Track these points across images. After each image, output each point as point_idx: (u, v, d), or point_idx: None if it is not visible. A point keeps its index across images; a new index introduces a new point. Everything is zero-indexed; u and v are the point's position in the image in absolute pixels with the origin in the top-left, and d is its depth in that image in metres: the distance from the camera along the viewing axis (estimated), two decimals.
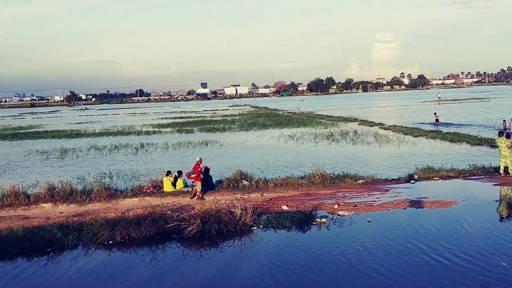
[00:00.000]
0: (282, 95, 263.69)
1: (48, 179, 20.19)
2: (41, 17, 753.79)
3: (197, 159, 18.12)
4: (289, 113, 76.80)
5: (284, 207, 15.81)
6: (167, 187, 18.63)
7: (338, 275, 10.32)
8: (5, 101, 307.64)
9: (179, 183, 18.92)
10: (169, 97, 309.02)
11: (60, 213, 16.18)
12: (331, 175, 19.99)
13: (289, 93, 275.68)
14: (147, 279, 10.58)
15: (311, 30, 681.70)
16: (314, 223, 14.11)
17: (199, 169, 17.54)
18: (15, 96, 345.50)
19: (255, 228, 13.87)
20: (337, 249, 11.87)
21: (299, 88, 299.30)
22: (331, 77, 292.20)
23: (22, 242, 12.59)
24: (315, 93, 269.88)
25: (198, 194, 17.32)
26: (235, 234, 13.45)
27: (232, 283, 10.23)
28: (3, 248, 12.33)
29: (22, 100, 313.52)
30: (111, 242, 13.03)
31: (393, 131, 39.55)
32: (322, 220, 14.23)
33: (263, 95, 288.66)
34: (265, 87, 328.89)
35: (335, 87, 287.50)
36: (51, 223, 14.40)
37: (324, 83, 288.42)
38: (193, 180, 17.59)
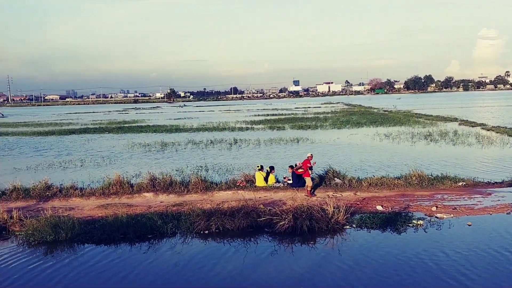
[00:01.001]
0: (377, 93, 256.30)
1: (149, 170, 21.38)
2: (143, 17, 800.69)
3: (308, 154, 18.07)
4: (385, 111, 74.49)
5: (379, 207, 15.38)
6: (259, 181, 18.93)
7: (430, 282, 9.84)
8: (111, 97, 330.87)
9: (271, 179, 19.14)
10: (261, 94, 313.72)
11: (161, 202, 17.09)
12: (429, 176, 19.10)
13: (385, 91, 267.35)
14: (240, 270, 10.83)
15: (410, 26, 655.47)
16: (410, 224, 13.60)
17: (308, 165, 17.46)
18: (120, 92, 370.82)
19: (347, 227, 13.66)
20: (434, 252, 11.33)
21: (395, 86, 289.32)
22: (429, 75, 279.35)
23: (126, 228, 13.46)
24: (412, 91, 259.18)
25: (308, 189, 17.22)
26: (327, 232, 13.35)
27: (323, 280, 10.17)
28: (109, 233, 13.27)
29: (127, 96, 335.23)
30: (206, 232, 13.53)
31: (497, 132, 36.89)
32: (419, 222, 13.67)
33: (357, 92, 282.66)
34: (359, 84, 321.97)
35: (433, 85, 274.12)
36: (152, 212, 15.24)
37: (422, 81, 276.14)
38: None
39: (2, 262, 11.71)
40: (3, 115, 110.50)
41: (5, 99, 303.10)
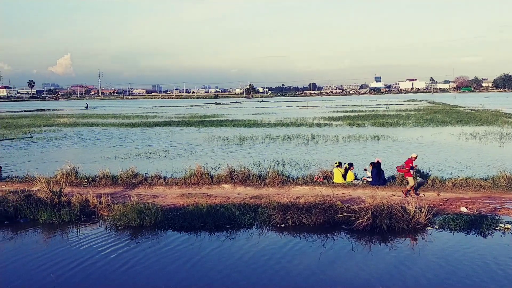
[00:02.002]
0: (463, 91, 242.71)
1: (228, 162, 21.84)
2: (225, 14, 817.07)
3: (413, 155, 17.44)
4: (471, 110, 70.45)
5: (463, 209, 14.61)
6: (337, 178, 18.67)
7: None
8: (193, 92, 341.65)
9: (350, 175, 18.80)
10: (341, 91, 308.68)
11: (238, 194, 17.41)
12: None
13: (472, 89, 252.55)
14: (316, 267, 10.76)
15: (500, 22, 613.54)
16: (496, 228, 12.81)
17: (411, 165, 16.87)
18: (202, 88, 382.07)
19: (429, 227, 13.12)
20: None
21: (483, 84, 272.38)
22: None
23: (205, 217, 13.87)
24: (501, 90, 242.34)
25: (408, 188, 16.66)
26: (407, 232, 12.92)
27: (403, 281, 9.84)
28: (190, 221, 13.75)
29: (208, 92, 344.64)
30: (283, 225, 13.59)
31: None
32: (506, 226, 12.86)
33: (442, 90, 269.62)
34: (445, 82, 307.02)
35: None
36: (230, 203, 15.57)
37: None
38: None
39: (92, 243, 12.53)
40: (88, 106, 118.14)
41: (96, 92, 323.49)
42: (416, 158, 17.27)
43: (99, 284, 9.90)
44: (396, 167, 18.15)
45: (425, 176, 18.64)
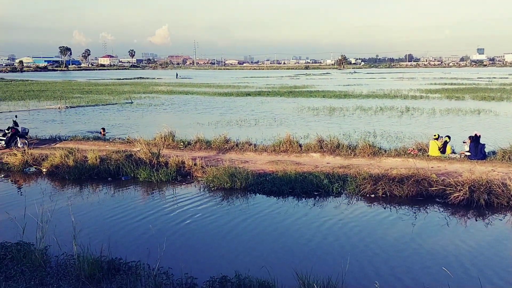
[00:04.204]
0: None
1: (317, 132, 21.72)
2: None
3: None
4: None
5: None
6: (433, 151, 17.86)
7: None
8: (284, 63, 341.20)
9: (448, 149, 17.90)
10: (439, 63, 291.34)
11: (327, 163, 17.32)
12: None
13: None
14: (409, 237, 10.49)
15: None
16: None
17: None
18: (292, 59, 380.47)
19: None
20: None
21: None
22: None
23: (293, 183, 14.03)
24: None
25: None
26: (507, 209, 12.13)
27: (498, 261, 9.29)
28: (278, 187, 13.99)
29: (298, 63, 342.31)
30: (372, 195, 13.37)
31: None
32: None
33: None
34: None
35: None
36: (319, 171, 15.55)
37: None
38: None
39: (187, 201, 13.23)
40: (177, 75, 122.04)
41: (191, 62, 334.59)
42: None
43: (192, 238, 10.46)
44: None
45: None
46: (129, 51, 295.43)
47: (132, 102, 43.91)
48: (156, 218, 11.91)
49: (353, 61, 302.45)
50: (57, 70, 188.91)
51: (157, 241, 9.90)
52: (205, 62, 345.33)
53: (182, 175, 15.86)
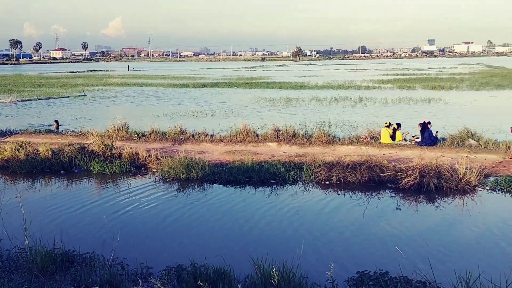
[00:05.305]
0: None
1: (274, 122, 21.84)
2: None
3: None
4: None
5: None
6: (385, 138, 18.35)
7: None
8: (240, 55, 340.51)
9: (398, 136, 18.43)
10: (392, 54, 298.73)
11: (284, 152, 17.48)
12: None
13: None
14: (360, 223, 10.72)
15: None
16: None
17: None
18: (249, 51, 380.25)
19: (480, 188, 12.77)
20: None
21: None
22: None
23: (250, 172, 14.07)
24: None
25: None
26: (456, 192, 12.63)
27: (450, 240, 9.68)
28: (235, 176, 13.99)
29: (255, 54, 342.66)
30: (327, 182, 13.60)
31: None
32: None
33: (500, 54, 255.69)
34: (504, 45, 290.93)
35: None
36: (276, 160, 15.68)
37: None
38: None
39: (141, 193, 13.02)
40: (129, 68, 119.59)
41: (146, 54, 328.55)
42: None
43: (147, 229, 10.32)
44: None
45: (477, 138, 17.99)
46: (82, 44, 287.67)
47: (85, 95, 42.81)
48: (110, 209, 11.68)
49: (308, 53, 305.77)
50: (7, 64, 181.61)
51: (111, 233, 9.72)
52: (160, 54, 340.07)
53: (137, 166, 15.61)
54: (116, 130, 20.26)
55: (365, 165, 13.83)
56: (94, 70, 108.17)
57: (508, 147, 16.83)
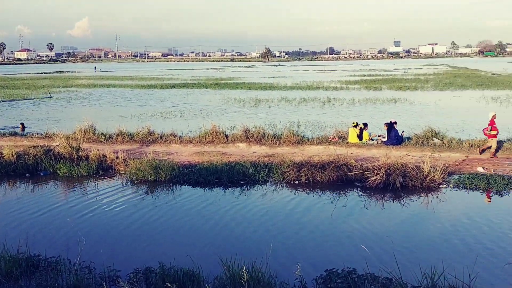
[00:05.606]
0: (486, 56, 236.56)
1: (243, 123, 21.86)
2: None
3: (493, 113, 16.61)
4: (493, 74, 68.86)
5: (480, 169, 14.53)
6: (352, 138, 18.63)
7: None
8: (209, 55, 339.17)
9: (365, 135, 18.74)
10: (359, 55, 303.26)
11: (253, 152, 17.52)
12: None
13: (495, 54, 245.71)
14: (329, 222, 10.86)
15: None
16: None
17: (494, 125, 16.18)
18: (218, 51, 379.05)
19: (444, 186, 13.12)
20: None
21: (507, 49, 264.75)
22: None
23: (220, 173, 14.04)
24: None
25: (492, 151, 16.29)
26: (421, 190, 12.94)
27: (414, 236, 9.92)
28: (205, 177, 13.93)
29: (224, 55, 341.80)
30: (296, 182, 13.71)
31: None
32: None
33: (464, 55, 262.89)
34: (467, 46, 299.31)
35: None
36: (245, 160, 15.70)
37: None
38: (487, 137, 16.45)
39: (110, 196, 12.83)
40: (96, 69, 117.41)
41: (113, 55, 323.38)
42: (495, 116, 16.48)
43: (115, 232, 10.17)
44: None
45: (441, 137, 18.47)
46: (47, 45, 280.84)
47: (51, 97, 41.84)
48: (77, 212, 11.46)
49: (277, 54, 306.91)
50: None
51: (77, 236, 9.53)
52: (128, 55, 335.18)
53: (104, 168, 15.36)
54: (83, 132, 19.91)
55: (333, 165, 14.01)
56: (60, 71, 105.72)
57: (471, 146, 17.36)
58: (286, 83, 57.54)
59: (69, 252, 8.66)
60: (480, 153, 16.29)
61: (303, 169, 13.97)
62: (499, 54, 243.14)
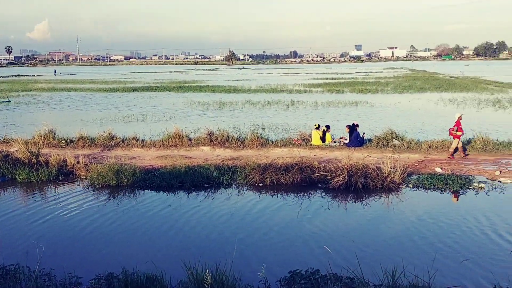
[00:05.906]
0: (444, 59, 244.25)
1: (207, 126, 21.80)
2: None
3: (458, 115, 17.21)
4: (451, 77, 71.21)
5: (438, 169, 14.99)
6: (316, 140, 18.88)
7: (488, 246, 9.57)
8: (173, 58, 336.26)
9: (328, 137, 19.03)
10: (321, 59, 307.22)
11: (217, 156, 17.50)
12: (495, 141, 18.31)
13: (453, 57, 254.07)
14: (294, 224, 10.96)
15: None
16: (470, 187, 13.20)
17: (460, 126, 16.74)
18: (181, 54, 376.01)
19: (403, 186, 13.46)
20: (493, 215, 10.99)
21: (464, 53, 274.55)
22: (502, 41, 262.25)
23: (183, 177, 13.95)
24: (482, 58, 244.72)
25: (451, 150, 16.70)
26: (381, 190, 13.23)
27: (375, 236, 10.14)
28: (168, 181, 13.81)
29: (187, 58, 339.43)
30: (261, 184, 13.78)
31: None
32: (480, 186, 13.25)
33: (422, 58, 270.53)
34: (425, 50, 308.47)
35: (506, 52, 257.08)
36: (209, 164, 15.66)
37: (494, 47, 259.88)
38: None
39: (71, 201, 12.54)
40: (56, 72, 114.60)
41: (74, 58, 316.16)
42: (461, 117, 17.09)
43: (75, 238, 9.96)
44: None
45: (401, 138, 18.95)
46: (6, 48, 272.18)
47: (9, 101, 40.53)
48: (36, 219, 11.15)
49: (241, 57, 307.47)
50: None
51: (36, 243, 9.26)
52: (89, 58, 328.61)
53: (64, 174, 15.00)
54: (42, 137, 19.39)
55: (297, 167, 14.15)
56: (19, 75, 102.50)
57: (430, 147, 17.89)
58: (250, 86, 57.74)
59: (28, 260, 8.41)
60: (452, 155, 16.71)
61: (267, 172, 14.05)
62: (456, 58, 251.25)
